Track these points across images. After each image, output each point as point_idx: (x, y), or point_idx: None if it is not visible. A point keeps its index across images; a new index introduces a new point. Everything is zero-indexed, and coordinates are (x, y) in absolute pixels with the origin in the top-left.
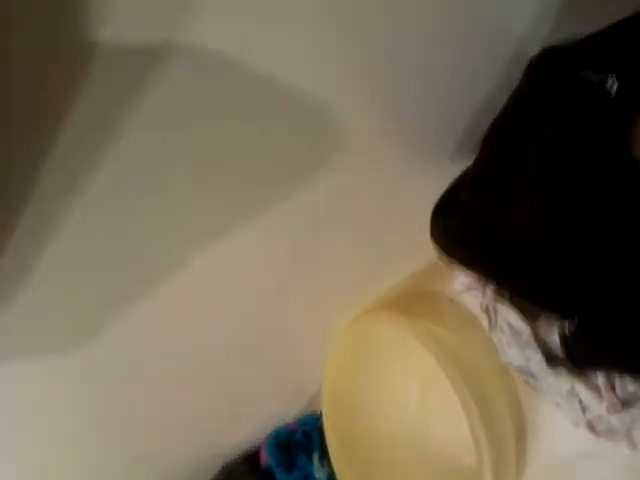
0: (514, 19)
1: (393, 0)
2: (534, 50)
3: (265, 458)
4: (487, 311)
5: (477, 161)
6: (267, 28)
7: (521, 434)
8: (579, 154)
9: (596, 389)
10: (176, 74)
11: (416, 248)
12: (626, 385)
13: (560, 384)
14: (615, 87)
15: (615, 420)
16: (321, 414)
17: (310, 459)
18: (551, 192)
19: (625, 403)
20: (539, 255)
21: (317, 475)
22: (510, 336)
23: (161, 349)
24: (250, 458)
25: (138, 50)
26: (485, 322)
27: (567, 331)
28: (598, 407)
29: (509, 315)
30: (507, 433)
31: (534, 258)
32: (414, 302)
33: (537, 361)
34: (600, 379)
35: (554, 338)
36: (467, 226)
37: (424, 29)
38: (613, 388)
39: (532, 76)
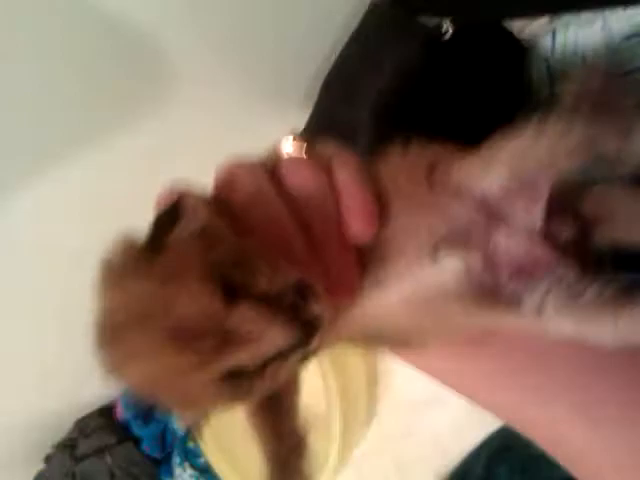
0: None
1: None
2: None
3: (121, 411)
4: None
5: (315, 106)
6: None
7: (373, 380)
8: (412, 100)
9: None
10: None
11: None
12: None
13: None
14: (450, 32)
15: None
16: None
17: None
18: (384, 138)
19: None
20: None
21: (176, 425)
22: None
23: None
24: (104, 412)
25: None
26: None
27: None
28: None
29: None
30: (358, 381)
31: None
32: None
33: None
34: None
35: None
36: None
37: None
38: None
39: (371, 21)
